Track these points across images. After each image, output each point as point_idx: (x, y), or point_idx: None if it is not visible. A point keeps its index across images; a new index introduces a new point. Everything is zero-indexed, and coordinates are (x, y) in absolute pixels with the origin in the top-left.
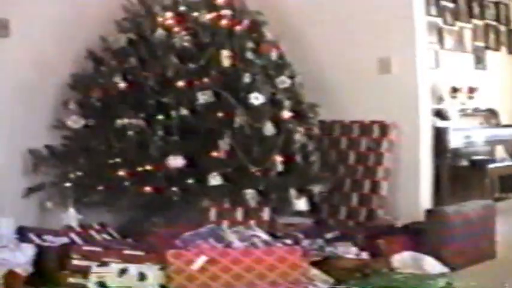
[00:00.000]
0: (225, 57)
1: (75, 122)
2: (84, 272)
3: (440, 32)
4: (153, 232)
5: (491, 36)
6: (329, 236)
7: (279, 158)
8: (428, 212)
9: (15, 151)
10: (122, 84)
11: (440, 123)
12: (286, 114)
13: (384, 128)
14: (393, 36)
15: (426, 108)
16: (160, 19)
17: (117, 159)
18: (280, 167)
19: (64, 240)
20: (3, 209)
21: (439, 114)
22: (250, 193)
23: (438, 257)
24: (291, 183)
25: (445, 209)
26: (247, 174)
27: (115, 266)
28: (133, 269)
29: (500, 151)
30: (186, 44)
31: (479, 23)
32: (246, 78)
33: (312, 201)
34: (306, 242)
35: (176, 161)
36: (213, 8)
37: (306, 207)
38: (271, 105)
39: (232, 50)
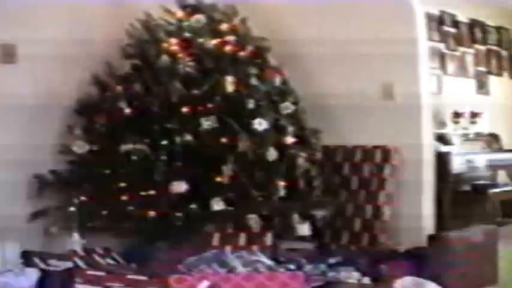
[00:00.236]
0: (229, 83)
1: (80, 147)
2: None
3: (442, 58)
4: (157, 257)
5: (493, 61)
6: (332, 261)
7: (281, 183)
8: (431, 238)
9: (20, 176)
10: (127, 110)
11: (443, 148)
12: (290, 139)
13: (386, 153)
14: (396, 61)
15: (429, 133)
16: (165, 45)
17: (121, 184)
18: (283, 192)
19: (68, 264)
20: (8, 233)
21: (442, 139)
22: (253, 218)
23: (440, 282)
24: (294, 208)
25: (447, 235)
26: (250, 199)
27: None
28: None
29: (502, 176)
30: (190, 70)
31: (482, 48)
32: (250, 104)
33: (314, 226)
34: (308, 267)
35: (180, 186)
36: (218, 34)
37: (309, 232)
38: (275, 131)
39: (236, 76)
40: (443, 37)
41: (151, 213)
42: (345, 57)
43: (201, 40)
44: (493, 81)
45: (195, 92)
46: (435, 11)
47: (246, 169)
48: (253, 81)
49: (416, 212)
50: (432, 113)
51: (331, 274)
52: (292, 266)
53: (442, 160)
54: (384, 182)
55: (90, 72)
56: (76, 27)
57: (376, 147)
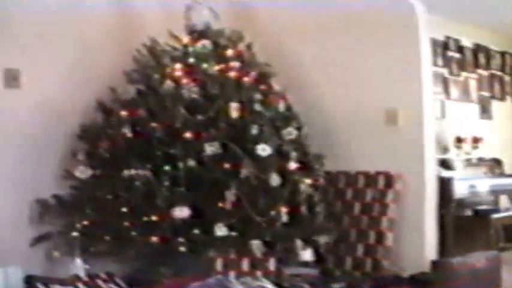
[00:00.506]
0: (233, 109)
1: (83, 172)
2: None
3: (445, 83)
4: (160, 282)
5: (497, 86)
6: (335, 286)
7: (284, 209)
8: (434, 263)
9: (23, 200)
10: (130, 135)
11: (445, 173)
12: (293, 165)
13: (389, 179)
14: (400, 87)
15: (431, 158)
16: (169, 70)
17: (124, 210)
18: (285, 218)
19: None
20: (11, 258)
21: (444, 164)
22: (256, 244)
23: None
24: (297, 234)
25: (450, 260)
26: (253, 224)
27: None
28: None
29: (504, 200)
30: (194, 95)
31: (485, 73)
32: (254, 130)
33: (317, 251)
34: None
35: (182, 212)
36: (222, 59)
37: (312, 257)
38: (278, 157)
39: (240, 102)
40: (447, 62)
41: (154, 239)
42: (349, 83)
43: (205, 66)
44: (496, 106)
45: (199, 117)
46: (440, 37)
47: (249, 195)
48: (257, 107)
49: (419, 237)
50: (435, 138)
51: None
52: None
53: (444, 185)
54: (387, 207)
55: (94, 97)
56: (81, 52)
57: (378, 173)
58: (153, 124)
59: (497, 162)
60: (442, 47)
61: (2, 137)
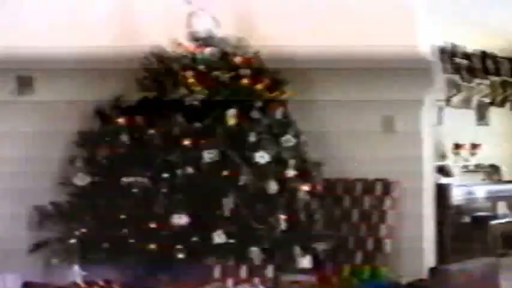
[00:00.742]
0: (231, 117)
1: (81, 179)
2: None
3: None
4: None
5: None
6: None
7: (282, 216)
8: (432, 270)
9: (21, 207)
10: (128, 142)
11: (443, 180)
12: (291, 172)
13: (387, 186)
14: (397, 94)
15: (429, 165)
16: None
17: (122, 217)
18: (284, 225)
19: None
20: (9, 264)
21: (442, 170)
22: (254, 251)
23: None
24: (295, 241)
25: (448, 267)
26: (252, 232)
27: None
28: None
29: (502, 207)
30: (196, 102)
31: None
32: (252, 137)
33: (316, 258)
34: None
35: (181, 219)
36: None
37: (310, 264)
38: (276, 164)
39: (239, 109)
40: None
41: (153, 246)
42: (347, 90)
43: (216, 73)
44: (494, 112)
45: (197, 124)
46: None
47: (248, 202)
48: (255, 114)
49: (417, 244)
50: (433, 144)
51: None
52: None
53: (442, 192)
54: (385, 214)
55: (93, 104)
56: (80, 60)
57: (376, 180)
58: (152, 131)
59: (495, 169)
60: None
61: (0, 143)
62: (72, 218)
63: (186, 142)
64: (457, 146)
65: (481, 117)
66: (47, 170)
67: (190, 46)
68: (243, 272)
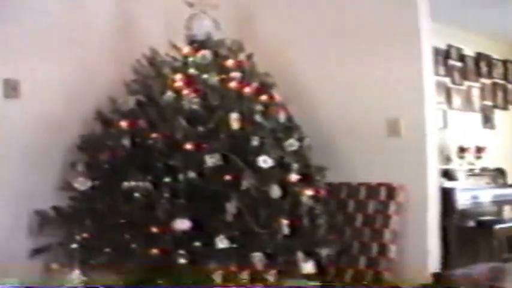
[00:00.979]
0: (234, 120)
1: (82, 183)
2: None
3: (448, 92)
4: None
5: (499, 94)
6: None
7: (285, 221)
8: (436, 276)
9: (21, 212)
10: (130, 146)
11: (448, 184)
12: (294, 177)
13: (391, 190)
14: (402, 97)
15: (434, 169)
16: (169, 81)
17: (124, 221)
18: (287, 230)
19: None
20: (9, 270)
21: (447, 174)
22: (257, 256)
23: None
24: (298, 246)
25: (453, 272)
26: (254, 237)
27: None
28: None
29: (508, 211)
30: (195, 106)
31: (487, 81)
32: (255, 141)
33: (319, 264)
34: None
35: (183, 224)
36: (223, 69)
37: (313, 270)
38: (279, 168)
39: (241, 113)
40: (449, 71)
41: (154, 251)
42: (350, 93)
43: (205, 76)
44: (499, 115)
45: (200, 128)
46: (442, 45)
47: (250, 207)
48: (258, 118)
49: (422, 249)
50: (437, 148)
51: None
52: None
53: (447, 196)
54: (389, 219)
55: (94, 108)
56: (80, 62)
57: (380, 184)
58: (153, 135)
59: (500, 172)
60: (443, 56)
61: (1, 147)
62: (74, 223)
63: (188, 146)
64: (462, 150)
65: (487, 120)
66: (47, 174)
67: (185, 49)
68: (246, 277)
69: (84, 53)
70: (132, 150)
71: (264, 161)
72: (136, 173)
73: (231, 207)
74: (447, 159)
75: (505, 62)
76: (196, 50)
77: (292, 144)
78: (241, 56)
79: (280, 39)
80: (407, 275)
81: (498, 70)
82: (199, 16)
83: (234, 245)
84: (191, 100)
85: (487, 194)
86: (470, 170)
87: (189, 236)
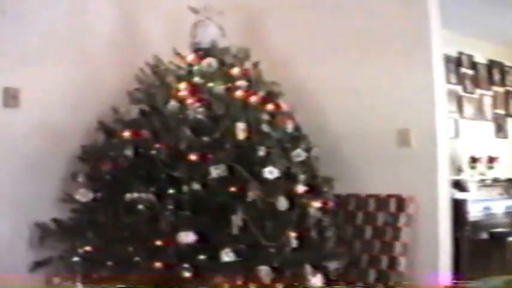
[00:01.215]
0: (240, 130)
1: (84, 195)
2: None
3: (459, 100)
4: None
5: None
6: None
7: (293, 234)
8: None
9: (22, 224)
10: (133, 157)
11: (459, 195)
12: (301, 188)
13: (401, 202)
14: (412, 106)
15: (445, 180)
16: (173, 90)
17: (127, 234)
18: (294, 243)
19: None
20: (9, 283)
21: (458, 185)
22: (263, 269)
23: None
24: (306, 259)
25: (465, 285)
26: (261, 250)
27: None
28: None
29: None
30: (200, 116)
31: (500, 89)
32: (261, 152)
33: (327, 277)
34: None
35: (187, 237)
36: (228, 78)
37: (322, 283)
38: (286, 179)
39: (247, 122)
40: (461, 79)
41: (158, 264)
42: (360, 103)
43: (210, 85)
44: (511, 124)
45: (204, 139)
46: (453, 53)
47: (256, 219)
48: (265, 127)
49: (433, 262)
50: (449, 158)
51: None
52: None
53: (458, 208)
54: (399, 232)
55: (96, 117)
56: (82, 71)
57: (390, 196)
58: (157, 145)
59: None
60: (455, 64)
61: (0, 157)
62: (75, 236)
63: (193, 157)
64: (474, 160)
65: (499, 129)
66: (48, 185)
67: (190, 57)
68: None
69: (86, 61)
70: (135, 161)
71: (270, 172)
72: (140, 185)
73: (236, 219)
74: (458, 170)
75: None
76: (201, 57)
77: (299, 154)
78: (248, 64)
79: (287, 47)
80: None
81: (511, 78)
82: (204, 23)
83: (240, 259)
84: (196, 109)
85: (499, 205)
86: (482, 180)
87: (194, 249)
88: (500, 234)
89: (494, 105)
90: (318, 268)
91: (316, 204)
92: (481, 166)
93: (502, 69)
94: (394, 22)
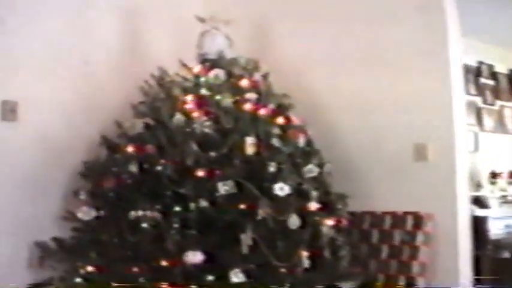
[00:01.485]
0: (249, 145)
1: (86, 213)
2: None
3: (479, 112)
4: None
5: None
6: None
7: (305, 253)
8: None
9: (21, 243)
10: (137, 173)
11: (479, 212)
12: (313, 205)
13: (418, 220)
14: (430, 118)
15: (464, 196)
16: (179, 103)
17: (131, 254)
18: (307, 263)
19: None
20: None
21: (478, 201)
22: None
23: None
24: (319, 280)
25: None
26: (272, 270)
27: None
28: None
29: None
30: (207, 130)
31: None
32: (271, 168)
33: None
34: None
35: (195, 257)
36: (237, 90)
37: None
38: (297, 196)
39: (257, 137)
40: (481, 90)
41: (164, 285)
42: (375, 117)
43: (218, 98)
44: None
45: (212, 154)
46: (472, 62)
47: (267, 238)
48: (275, 142)
49: (453, 282)
50: (468, 173)
51: None
52: None
53: (478, 225)
54: (417, 251)
55: (98, 132)
56: (84, 83)
57: (407, 213)
58: (162, 161)
59: None
60: (474, 74)
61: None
62: (77, 255)
63: (200, 173)
64: (494, 175)
65: None
66: (48, 203)
67: (196, 68)
68: None
69: (88, 73)
70: (140, 177)
71: (281, 189)
72: (144, 202)
73: (246, 238)
74: (478, 186)
75: None
76: (208, 69)
77: (311, 170)
78: (257, 76)
79: (298, 58)
80: None
81: None
82: (212, 33)
83: (250, 279)
84: (203, 123)
85: None
86: (503, 196)
87: (201, 270)
88: None
89: None
90: None
91: (329, 222)
92: (501, 181)
93: None
94: (410, 30)
